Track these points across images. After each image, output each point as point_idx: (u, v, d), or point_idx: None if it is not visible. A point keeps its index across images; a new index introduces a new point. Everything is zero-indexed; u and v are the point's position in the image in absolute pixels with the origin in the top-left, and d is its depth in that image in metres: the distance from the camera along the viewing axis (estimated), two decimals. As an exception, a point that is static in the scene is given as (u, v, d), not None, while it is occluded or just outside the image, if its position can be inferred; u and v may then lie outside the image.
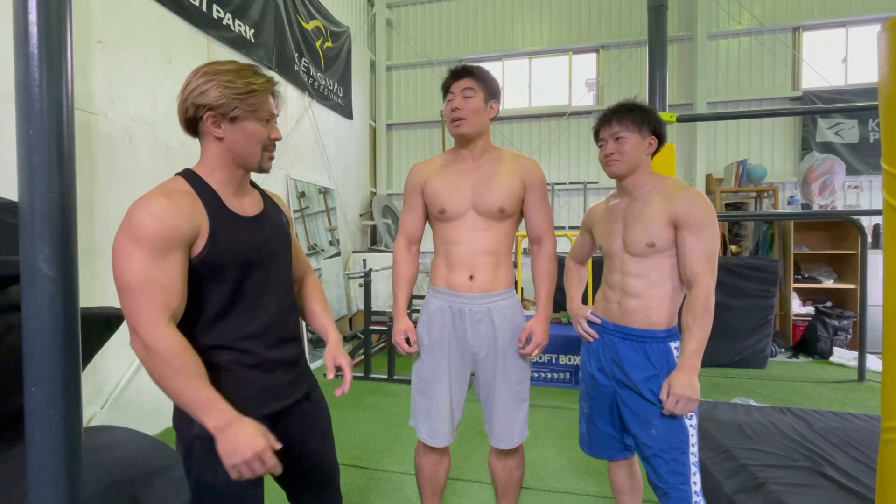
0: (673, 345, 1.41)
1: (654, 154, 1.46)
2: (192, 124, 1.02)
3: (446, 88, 1.55)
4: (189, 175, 1.02)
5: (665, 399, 1.33)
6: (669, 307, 1.41)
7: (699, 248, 1.32)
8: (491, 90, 1.53)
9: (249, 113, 1.00)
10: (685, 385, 1.29)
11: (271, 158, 1.08)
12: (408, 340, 1.62)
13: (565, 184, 6.08)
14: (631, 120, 1.40)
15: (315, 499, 1.24)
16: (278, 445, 0.96)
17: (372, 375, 3.98)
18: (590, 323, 1.58)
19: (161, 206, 0.91)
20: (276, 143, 1.08)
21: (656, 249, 1.37)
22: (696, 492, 1.35)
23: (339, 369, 1.21)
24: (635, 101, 1.45)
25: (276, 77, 4.06)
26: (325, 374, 1.20)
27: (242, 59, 3.79)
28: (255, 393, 1.04)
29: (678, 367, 1.33)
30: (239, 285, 1.02)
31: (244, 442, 0.91)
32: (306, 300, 1.29)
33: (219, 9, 3.53)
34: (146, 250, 0.89)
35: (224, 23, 3.60)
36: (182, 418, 1.01)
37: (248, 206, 1.08)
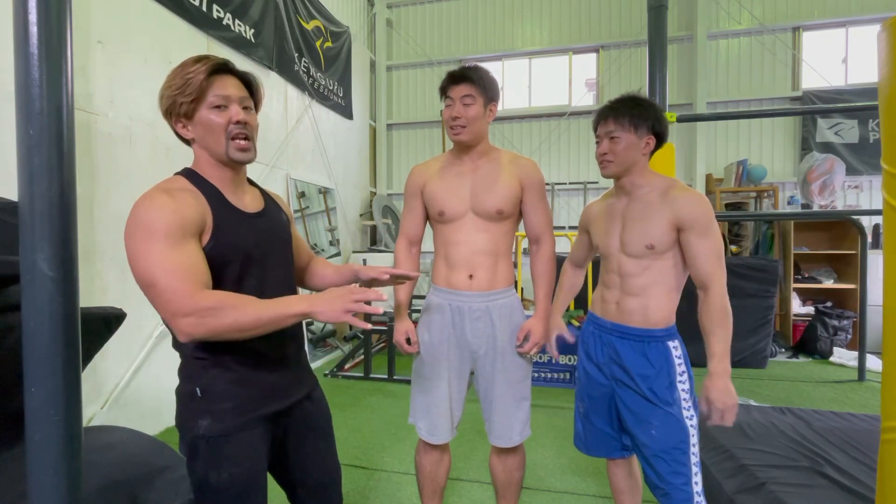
0: (671, 344, 1.41)
1: (653, 152, 1.44)
2: (179, 135, 1.03)
3: (444, 92, 1.54)
4: (188, 173, 1.02)
5: (707, 412, 1.31)
6: (667, 307, 1.41)
7: (708, 249, 1.31)
8: (490, 94, 1.52)
9: (195, 103, 0.97)
10: (722, 393, 1.27)
11: (243, 148, 1.01)
12: (408, 340, 1.62)
13: (565, 184, 6.08)
14: (628, 119, 1.36)
15: (316, 500, 1.24)
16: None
17: (372, 375, 3.98)
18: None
19: (165, 199, 0.91)
20: (256, 129, 1.04)
21: (655, 251, 1.36)
22: (697, 492, 1.35)
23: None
24: (636, 96, 1.41)
25: (271, 72, 4.08)
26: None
27: (242, 59, 3.80)
28: (258, 392, 1.04)
29: (710, 374, 1.30)
30: (241, 282, 1.01)
31: (329, 297, 0.92)
32: (318, 269, 1.31)
33: (219, 9, 3.53)
34: (162, 244, 0.88)
35: (224, 23, 3.60)
36: (186, 418, 1.01)
37: (248, 202, 1.08)
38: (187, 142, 1.05)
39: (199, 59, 0.99)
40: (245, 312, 0.87)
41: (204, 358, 0.99)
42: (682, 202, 1.33)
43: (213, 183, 1.02)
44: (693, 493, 1.35)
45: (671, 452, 1.36)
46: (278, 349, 1.08)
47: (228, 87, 1.00)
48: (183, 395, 1.03)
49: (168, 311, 0.88)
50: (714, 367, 1.29)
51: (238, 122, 0.99)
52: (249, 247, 1.02)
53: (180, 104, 0.97)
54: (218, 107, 0.98)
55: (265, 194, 1.16)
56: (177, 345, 1.03)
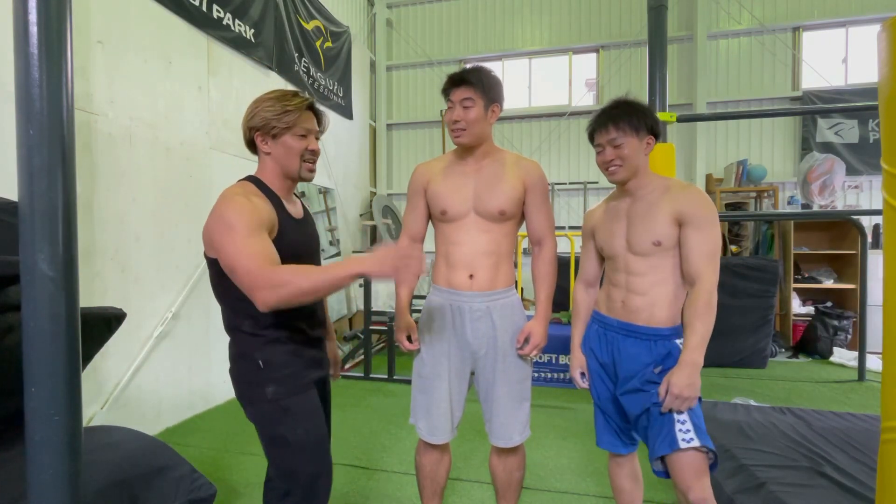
0: (678, 341, 1.42)
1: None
2: (251, 144, 1.25)
3: (445, 95, 1.53)
4: (255, 181, 1.23)
5: (663, 395, 1.32)
6: (673, 305, 1.42)
7: (703, 245, 1.33)
8: (492, 95, 1.50)
9: (286, 130, 1.19)
10: (684, 384, 1.28)
11: (311, 170, 1.27)
12: (409, 338, 1.63)
13: (565, 184, 6.08)
14: (628, 124, 1.38)
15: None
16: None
17: (372, 375, 3.98)
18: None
19: (242, 200, 1.11)
20: (314, 154, 1.26)
21: (662, 248, 1.38)
22: (681, 429, 1.32)
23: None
24: (629, 101, 1.42)
25: (270, 71, 4.09)
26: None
27: (242, 59, 3.80)
28: (306, 362, 1.24)
29: (679, 363, 1.31)
30: None
31: (379, 258, 1.02)
32: None
33: (219, 9, 3.53)
34: (241, 233, 1.05)
35: (224, 23, 3.60)
36: (251, 388, 1.18)
37: (295, 211, 1.29)
38: (254, 151, 1.26)
39: (295, 94, 1.22)
40: (308, 279, 1.02)
41: (261, 335, 1.18)
42: (684, 197, 1.35)
43: (275, 191, 1.23)
44: (676, 433, 1.32)
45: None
46: (315, 331, 1.29)
47: (311, 121, 1.24)
48: (243, 370, 1.20)
49: (247, 287, 1.03)
50: (686, 357, 1.30)
51: (312, 152, 1.25)
52: (299, 247, 1.23)
53: (273, 127, 1.19)
54: (301, 136, 1.22)
55: (302, 203, 1.38)
56: (231, 327, 1.22)
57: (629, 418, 1.49)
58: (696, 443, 1.29)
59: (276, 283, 1.01)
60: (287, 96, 1.21)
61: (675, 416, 1.33)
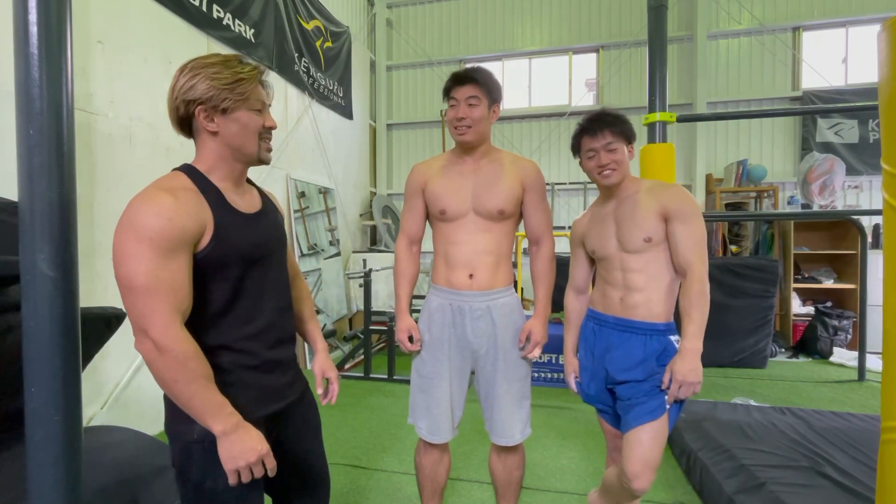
0: (673, 338, 1.46)
1: None
2: (185, 123, 0.99)
3: (448, 93, 1.54)
4: (190, 171, 0.99)
5: (667, 384, 1.37)
6: (668, 300, 1.46)
7: (690, 237, 1.39)
8: (494, 95, 1.53)
9: (240, 102, 0.97)
10: (687, 370, 1.34)
11: (269, 149, 1.06)
12: (410, 338, 1.63)
13: (565, 184, 6.08)
14: (620, 131, 1.45)
15: (306, 502, 1.23)
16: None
17: (372, 375, 3.98)
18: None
19: (167, 204, 0.88)
20: (273, 133, 1.07)
21: (653, 244, 1.43)
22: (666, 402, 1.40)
23: (326, 381, 1.27)
24: (614, 112, 1.50)
25: (271, 72, 4.09)
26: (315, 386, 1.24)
27: (242, 59, 3.80)
28: (255, 395, 1.02)
29: (680, 351, 1.37)
30: (240, 283, 1.00)
31: (249, 445, 0.93)
32: (295, 303, 1.26)
33: (219, 9, 3.53)
34: (154, 251, 0.86)
35: (224, 23, 3.60)
36: (178, 423, 0.97)
37: (247, 203, 1.05)
38: (188, 133, 1.02)
39: (243, 62, 1.00)
40: (187, 386, 0.88)
41: None
42: (667, 194, 1.43)
43: (215, 182, 1.00)
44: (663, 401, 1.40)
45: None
46: (274, 352, 1.06)
47: (263, 93, 1.03)
48: (170, 400, 0.99)
49: (138, 324, 0.87)
50: (685, 345, 1.36)
51: (270, 128, 1.04)
52: (250, 248, 1.01)
53: (224, 99, 0.95)
54: (258, 110, 1.01)
55: (262, 194, 1.15)
56: None
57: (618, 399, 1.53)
58: (664, 415, 1.39)
59: (169, 353, 0.85)
60: (234, 62, 0.98)
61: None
